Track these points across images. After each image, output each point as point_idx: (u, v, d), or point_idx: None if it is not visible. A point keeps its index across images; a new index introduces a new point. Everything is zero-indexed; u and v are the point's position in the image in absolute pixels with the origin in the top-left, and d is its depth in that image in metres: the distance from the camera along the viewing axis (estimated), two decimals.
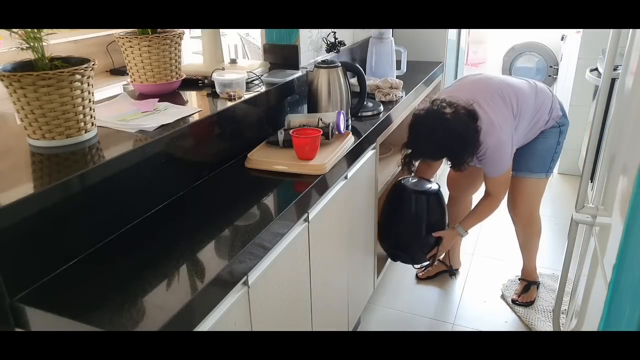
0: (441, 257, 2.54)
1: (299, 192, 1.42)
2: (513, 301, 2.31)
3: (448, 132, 1.80)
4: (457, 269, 2.56)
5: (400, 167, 2.22)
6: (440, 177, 3.35)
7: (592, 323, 1.17)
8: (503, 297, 2.37)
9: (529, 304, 2.29)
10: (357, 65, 2.01)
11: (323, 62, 1.90)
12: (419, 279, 2.51)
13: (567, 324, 1.65)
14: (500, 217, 2.86)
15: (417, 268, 2.54)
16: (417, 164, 2.19)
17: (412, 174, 2.24)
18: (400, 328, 2.20)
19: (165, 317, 0.91)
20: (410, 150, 1.98)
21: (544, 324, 2.17)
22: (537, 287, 2.36)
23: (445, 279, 2.51)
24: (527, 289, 2.34)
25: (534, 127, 2.00)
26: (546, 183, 2.12)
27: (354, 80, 2.23)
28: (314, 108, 1.92)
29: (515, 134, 1.94)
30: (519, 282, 2.39)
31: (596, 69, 2.99)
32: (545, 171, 2.07)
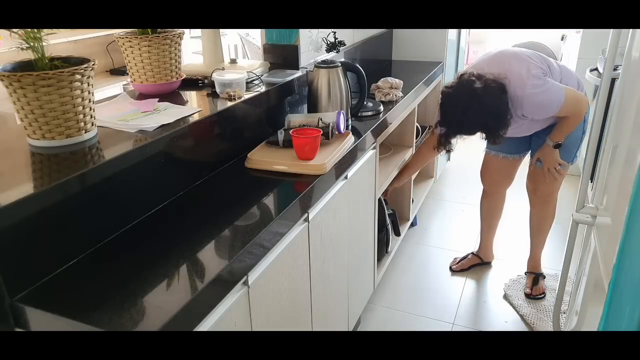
0: (475, 250, 2.60)
1: (299, 192, 1.42)
2: (527, 295, 2.34)
3: (481, 108, 1.80)
4: (489, 262, 2.59)
5: (435, 148, 2.18)
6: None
7: (592, 323, 1.17)
8: (506, 296, 2.37)
9: (541, 295, 2.32)
10: (357, 65, 2.00)
11: (323, 62, 1.90)
12: (452, 271, 2.55)
13: (567, 324, 1.65)
14: (500, 216, 2.87)
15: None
16: (454, 141, 2.14)
17: (450, 152, 2.25)
18: (400, 328, 2.20)
19: (165, 317, 0.91)
20: (444, 130, 1.96)
21: (546, 324, 2.17)
22: (543, 279, 2.40)
23: (445, 279, 2.51)
24: (536, 281, 2.37)
25: None
26: (567, 171, 2.16)
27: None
28: (314, 108, 1.92)
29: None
30: (526, 276, 2.43)
31: (596, 69, 2.99)
32: (570, 160, 2.11)
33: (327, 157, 1.58)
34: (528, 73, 1.86)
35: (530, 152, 2.26)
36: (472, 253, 2.60)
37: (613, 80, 1.98)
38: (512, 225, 2.90)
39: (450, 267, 2.58)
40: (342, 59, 2.03)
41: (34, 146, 1.22)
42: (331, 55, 2.23)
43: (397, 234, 2.54)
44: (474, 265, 2.57)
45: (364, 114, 2.05)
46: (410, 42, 3.13)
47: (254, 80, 1.88)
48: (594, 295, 1.22)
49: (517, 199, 3.14)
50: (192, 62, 2.13)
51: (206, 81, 1.84)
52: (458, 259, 2.60)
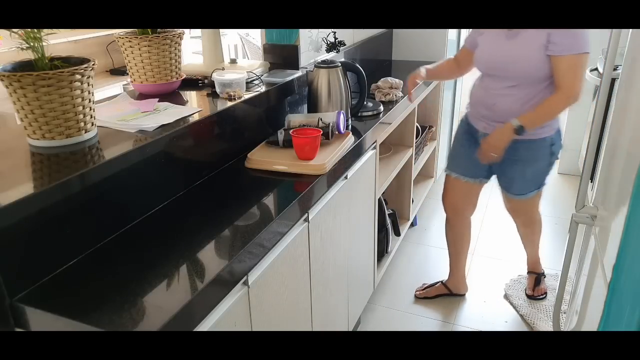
0: (445, 279, 2.40)
1: (299, 192, 1.42)
2: (528, 296, 2.33)
3: None
4: (462, 294, 2.39)
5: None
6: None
7: (592, 323, 1.17)
8: (506, 296, 2.37)
9: (543, 296, 2.31)
10: (357, 65, 2.01)
11: (323, 62, 1.90)
12: (416, 297, 2.39)
13: (567, 324, 1.65)
14: (500, 216, 2.86)
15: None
16: None
17: None
18: (400, 328, 2.20)
19: (165, 317, 0.91)
20: None
21: (546, 323, 2.17)
22: (544, 278, 2.39)
23: (445, 279, 2.51)
24: (538, 281, 2.36)
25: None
26: (540, 196, 2.07)
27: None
28: (314, 108, 1.92)
29: None
30: (527, 276, 2.41)
31: (596, 69, 2.99)
32: (538, 188, 2.02)
33: (327, 157, 1.58)
34: None
35: (491, 177, 2.14)
36: (441, 282, 2.41)
37: (613, 80, 1.98)
38: (512, 225, 2.90)
39: (415, 292, 2.42)
40: (342, 59, 2.03)
41: (34, 146, 1.22)
42: (331, 55, 2.23)
43: (397, 234, 2.54)
44: (441, 295, 2.38)
45: (364, 114, 2.05)
46: (410, 42, 3.13)
47: (254, 80, 1.88)
48: (594, 295, 1.22)
49: None
50: (192, 62, 2.13)
51: (206, 81, 1.84)
52: (425, 285, 2.44)
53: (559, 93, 1.77)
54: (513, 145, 1.88)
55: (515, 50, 1.80)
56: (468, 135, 2.09)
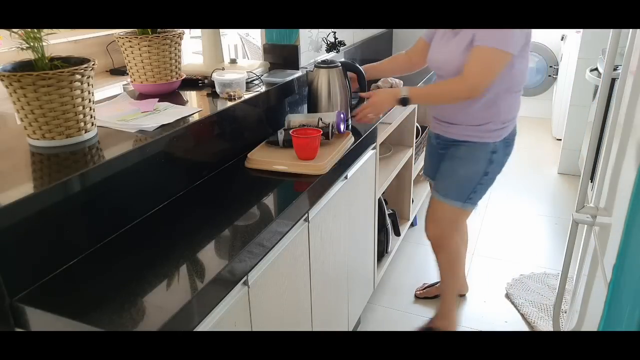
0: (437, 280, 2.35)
1: (299, 192, 1.42)
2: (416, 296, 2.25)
3: None
4: (463, 295, 2.37)
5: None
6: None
7: (592, 323, 1.17)
8: (508, 295, 2.36)
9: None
10: (357, 65, 2.00)
11: (323, 62, 1.90)
12: (416, 297, 2.38)
13: (567, 324, 1.65)
14: (500, 216, 2.87)
15: None
16: None
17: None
18: (400, 328, 2.20)
19: (165, 317, 0.91)
20: None
21: (547, 323, 2.17)
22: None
23: None
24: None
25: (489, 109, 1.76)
26: (463, 215, 1.93)
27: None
28: (314, 108, 1.92)
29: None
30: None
31: (596, 69, 2.99)
32: (462, 200, 1.85)
33: (327, 157, 1.58)
34: None
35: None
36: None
37: (613, 80, 1.98)
38: (512, 225, 2.90)
39: (415, 293, 2.40)
40: (342, 59, 2.03)
41: (34, 146, 1.22)
42: (331, 55, 2.23)
43: (397, 234, 2.54)
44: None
45: None
46: (410, 42, 3.10)
47: (254, 80, 1.88)
48: (594, 295, 1.22)
49: (514, 198, 3.14)
50: (192, 62, 2.13)
51: (206, 81, 1.84)
52: (426, 285, 2.42)
53: (458, 78, 1.68)
54: (458, 144, 1.86)
55: (453, 48, 1.74)
56: (429, 138, 2.09)
